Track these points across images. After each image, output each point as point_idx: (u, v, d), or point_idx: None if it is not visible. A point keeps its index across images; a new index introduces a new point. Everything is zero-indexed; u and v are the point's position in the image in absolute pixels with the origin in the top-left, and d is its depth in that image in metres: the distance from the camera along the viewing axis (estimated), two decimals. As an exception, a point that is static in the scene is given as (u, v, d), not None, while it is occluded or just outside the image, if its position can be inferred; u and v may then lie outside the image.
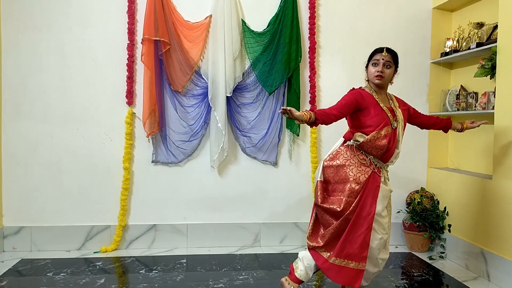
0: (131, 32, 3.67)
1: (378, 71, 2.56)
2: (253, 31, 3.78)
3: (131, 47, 3.67)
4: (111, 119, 3.71)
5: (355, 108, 2.54)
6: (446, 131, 2.97)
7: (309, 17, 3.84)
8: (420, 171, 4.04)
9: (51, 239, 3.66)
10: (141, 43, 3.62)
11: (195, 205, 3.84)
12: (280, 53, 3.74)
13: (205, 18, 3.73)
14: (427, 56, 4.01)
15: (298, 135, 3.86)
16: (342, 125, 3.72)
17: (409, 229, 3.83)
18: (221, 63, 3.66)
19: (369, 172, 2.53)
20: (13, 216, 3.65)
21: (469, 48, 3.53)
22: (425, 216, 3.74)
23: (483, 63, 3.27)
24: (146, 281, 3.04)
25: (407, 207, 3.95)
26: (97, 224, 3.72)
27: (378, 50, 2.61)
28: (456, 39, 3.79)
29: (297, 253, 2.73)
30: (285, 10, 3.75)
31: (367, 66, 2.69)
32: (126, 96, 3.69)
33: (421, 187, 4.00)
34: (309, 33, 3.85)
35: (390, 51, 2.61)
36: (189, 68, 3.71)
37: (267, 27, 3.80)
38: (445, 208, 3.72)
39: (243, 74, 3.79)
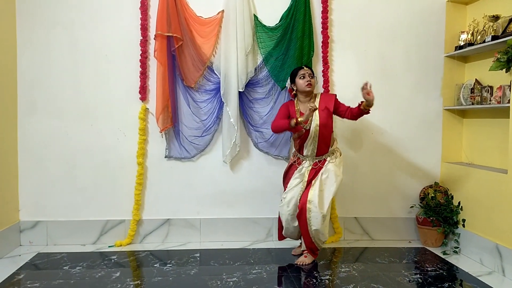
0: (144, 28, 3.69)
1: (307, 81, 3.23)
2: (265, 26, 3.77)
3: (144, 43, 3.69)
4: (124, 115, 3.74)
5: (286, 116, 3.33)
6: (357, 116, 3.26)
7: (322, 11, 3.82)
8: (434, 165, 4.01)
9: (67, 233, 3.72)
10: (154, 39, 3.64)
11: (208, 200, 3.86)
12: (292, 47, 3.73)
13: (217, 14, 3.74)
14: (441, 49, 3.96)
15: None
16: (353, 122, 3.72)
17: (423, 224, 3.81)
18: (233, 58, 3.67)
19: (291, 161, 3.47)
20: (30, 210, 3.71)
21: (484, 41, 3.49)
22: (439, 211, 3.71)
23: (499, 56, 3.22)
24: (161, 274, 3.08)
25: (420, 202, 3.93)
26: (112, 219, 3.76)
27: (299, 68, 3.32)
28: (470, 32, 3.74)
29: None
30: (297, 5, 3.73)
31: (293, 82, 3.31)
32: (140, 92, 3.72)
33: (435, 182, 3.97)
34: (322, 27, 3.83)
35: (308, 66, 3.35)
36: (202, 64, 3.72)
37: (279, 21, 3.78)
38: (459, 203, 3.69)
39: (255, 69, 3.79)
